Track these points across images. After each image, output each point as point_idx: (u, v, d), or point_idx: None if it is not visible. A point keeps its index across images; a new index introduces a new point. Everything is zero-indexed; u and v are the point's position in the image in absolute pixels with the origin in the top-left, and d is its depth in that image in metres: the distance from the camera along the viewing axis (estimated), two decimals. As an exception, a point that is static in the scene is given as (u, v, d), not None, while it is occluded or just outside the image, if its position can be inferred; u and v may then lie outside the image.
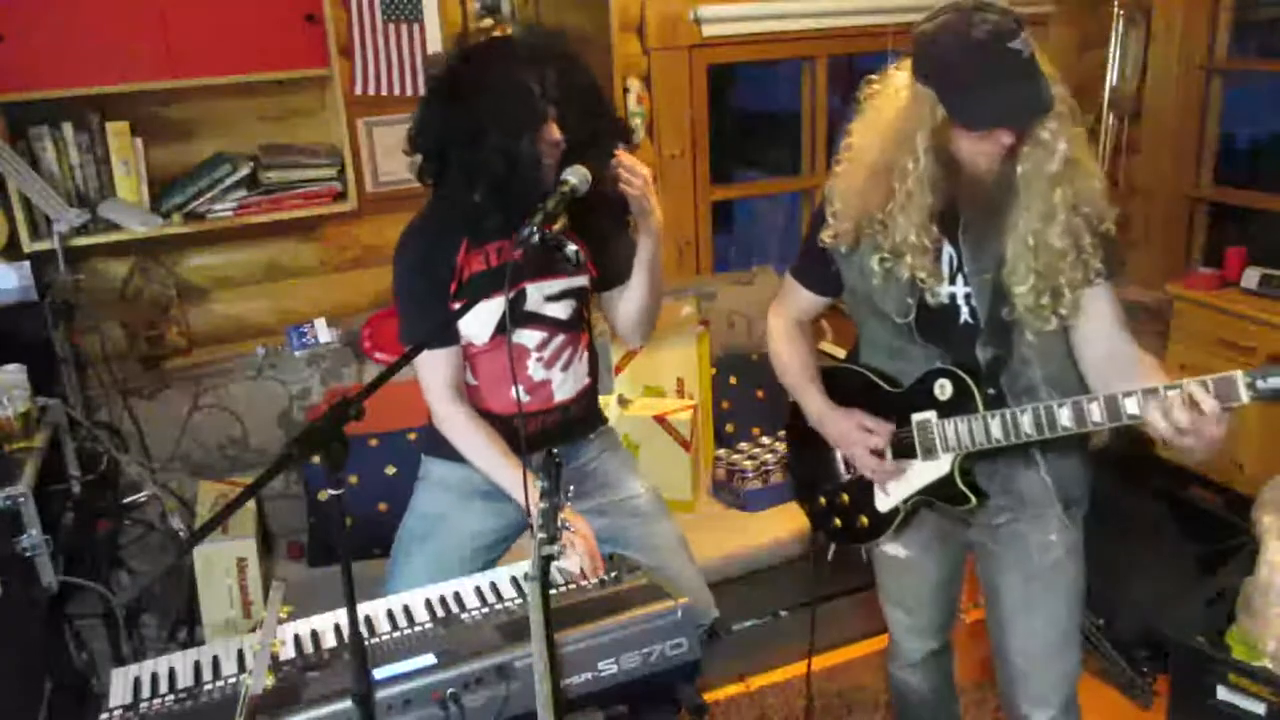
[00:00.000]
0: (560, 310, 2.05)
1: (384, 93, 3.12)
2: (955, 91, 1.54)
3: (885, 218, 1.69)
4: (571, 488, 1.51)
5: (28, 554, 2.09)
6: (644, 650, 1.58)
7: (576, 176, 1.78)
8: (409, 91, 3.14)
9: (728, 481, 3.14)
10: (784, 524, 3.00)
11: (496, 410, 2.07)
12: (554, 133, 1.88)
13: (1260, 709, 2.39)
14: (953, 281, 1.74)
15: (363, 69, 3.09)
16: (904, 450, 1.85)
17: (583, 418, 2.18)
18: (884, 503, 1.92)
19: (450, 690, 1.45)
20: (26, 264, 2.57)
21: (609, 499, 2.15)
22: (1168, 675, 2.61)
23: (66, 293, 2.77)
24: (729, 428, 3.40)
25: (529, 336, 2.04)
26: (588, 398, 2.18)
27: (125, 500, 2.74)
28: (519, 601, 1.70)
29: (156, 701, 1.48)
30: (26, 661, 2.06)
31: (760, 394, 3.48)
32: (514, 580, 1.82)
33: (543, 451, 1.46)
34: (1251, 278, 3.54)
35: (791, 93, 4.05)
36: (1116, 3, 3.87)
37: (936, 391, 1.77)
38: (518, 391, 1.94)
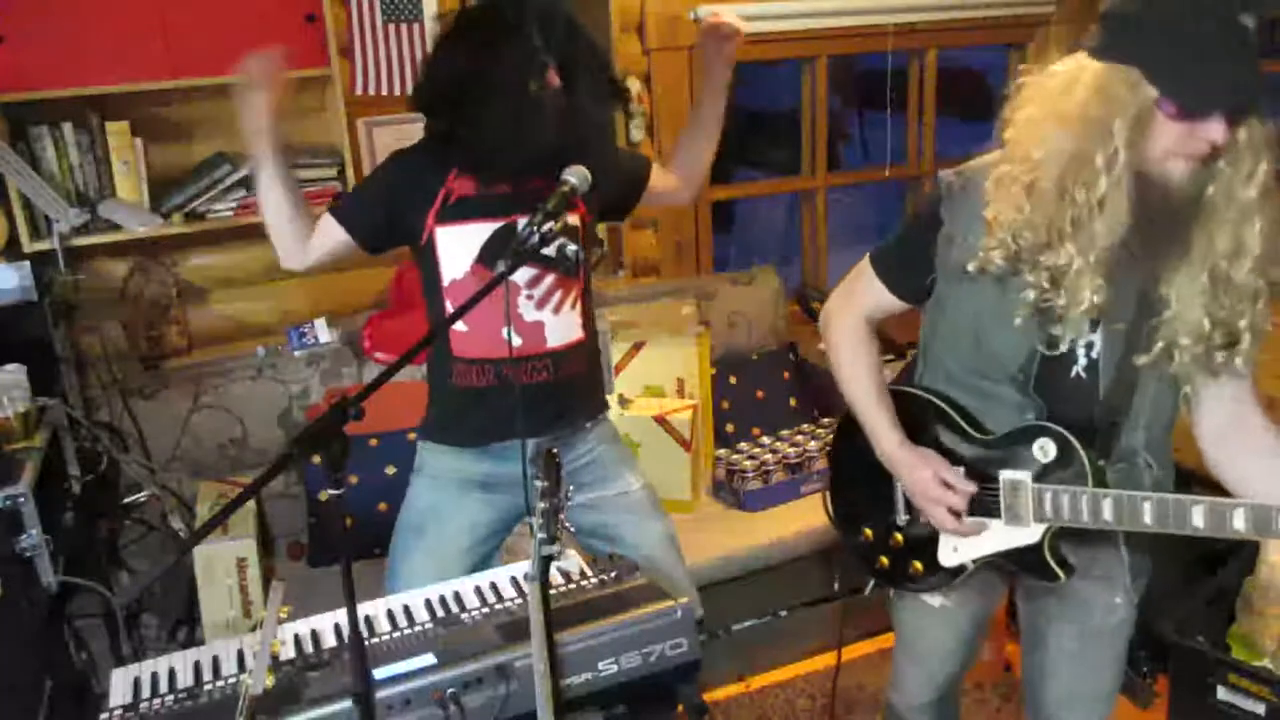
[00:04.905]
0: (551, 249, 1.97)
1: (384, 93, 3.12)
2: (1174, 62, 1.30)
3: (1055, 239, 1.42)
4: (572, 487, 1.51)
5: (28, 554, 2.09)
6: (644, 650, 1.58)
7: (576, 176, 1.78)
8: (409, 92, 3.13)
9: (728, 481, 3.14)
10: (784, 524, 3.01)
11: (486, 355, 2.04)
12: (554, 79, 1.94)
13: (1260, 709, 2.39)
14: (1091, 329, 1.51)
15: (363, 69, 3.08)
16: (984, 507, 1.62)
17: (579, 384, 2.14)
18: (950, 558, 1.69)
19: (450, 690, 1.45)
20: (26, 264, 2.57)
21: (602, 494, 2.15)
22: (1168, 675, 2.61)
23: (66, 293, 2.77)
24: (729, 428, 3.40)
25: (519, 273, 2.00)
26: (583, 357, 2.15)
27: (125, 500, 2.75)
28: (519, 601, 1.70)
29: (156, 701, 1.47)
30: (26, 661, 2.06)
31: (760, 394, 3.48)
32: (514, 580, 1.82)
33: (542, 451, 1.46)
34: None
35: (791, 93, 4.05)
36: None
37: (1036, 452, 1.55)
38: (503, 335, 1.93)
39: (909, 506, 1.75)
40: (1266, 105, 1.37)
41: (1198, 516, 1.40)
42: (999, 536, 1.62)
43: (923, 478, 1.64)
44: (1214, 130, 1.32)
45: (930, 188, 1.62)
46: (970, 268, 1.52)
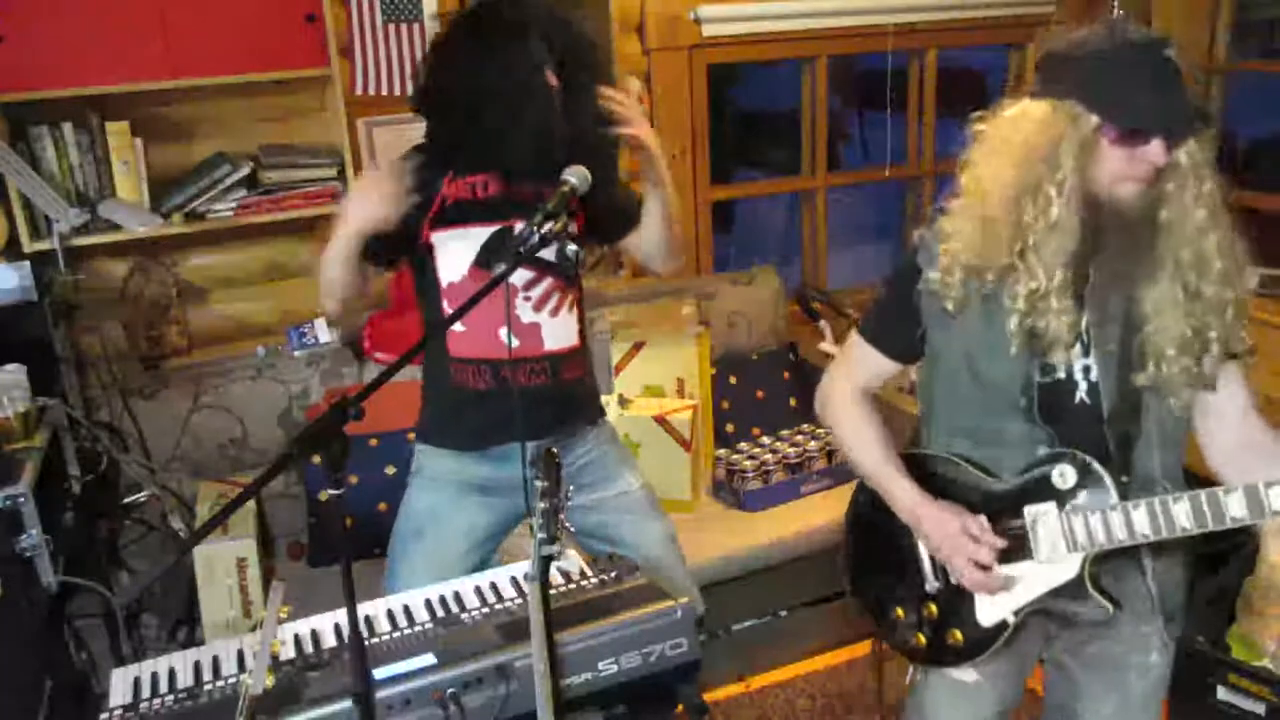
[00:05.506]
0: (549, 253, 1.96)
1: (384, 93, 3.12)
2: (1109, 91, 1.41)
3: (1017, 259, 1.49)
4: (571, 488, 1.51)
5: (28, 554, 2.09)
6: (644, 650, 1.58)
7: (576, 177, 1.79)
8: (409, 92, 3.13)
9: (728, 481, 3.14)
10: (784, 524, 3.01)
11: (483, 355, 2.05)
12: (553, 79, 1.95)
13: (1260, 709, 2.39)
14: (1083, 354, 1.55)
15: (363, 69, 3.09)
16: (1015, 551, 1.58)
17: (578, 390, 2.16)
18: (989, 614, 1.62)
19: (450, 690, 1.45)
20: (26, 264, 2.57)
21: (601, 494, 2.16)
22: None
23: (66, 293, 2.77)
24: (729, 428, 3.40)
25: (517, 275, 1.99)
26: (580, 363, 2.16)
27: (125, 500, 2.74)
28: (519, 601, 1.70)
29: (156, 701, 1.48)
30: (26, 661, 2.06)
31: (760, 394, 3.48)
32: (514, 580, 1.82)
33: (542, 451, 1.46)
34: (1251, 278, 3.53)
35: (791, 93, 4.05)
36: (1116, 3, 3.87)
37: (1056, 479, 1.53)
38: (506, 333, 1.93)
39: (937, 570, 1.69)
40: (1208, 126, 1.48)
41: (1235, 505, 1.40)
42: (1036, 579, 1.58)
43: (950, 529, 1.60)
44: (1154, 153, 1.42)
45: (908, 249, 1.68)
46: (949, 306, 1.57)
